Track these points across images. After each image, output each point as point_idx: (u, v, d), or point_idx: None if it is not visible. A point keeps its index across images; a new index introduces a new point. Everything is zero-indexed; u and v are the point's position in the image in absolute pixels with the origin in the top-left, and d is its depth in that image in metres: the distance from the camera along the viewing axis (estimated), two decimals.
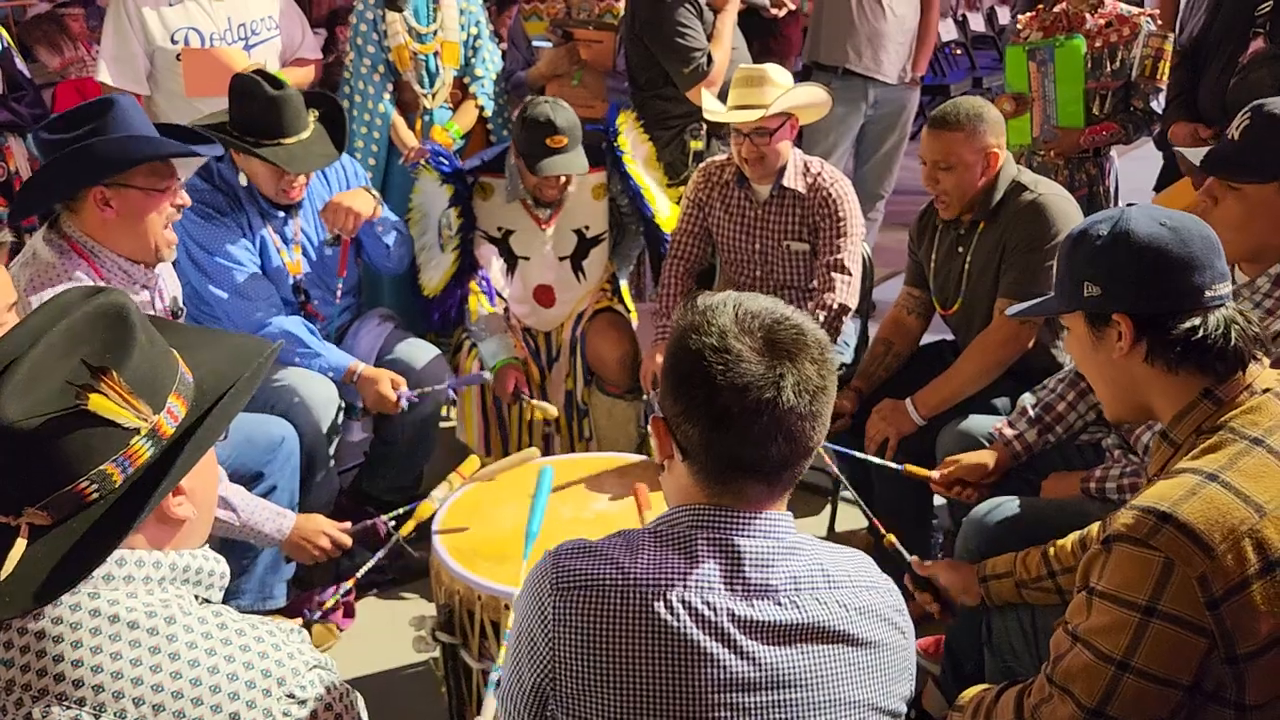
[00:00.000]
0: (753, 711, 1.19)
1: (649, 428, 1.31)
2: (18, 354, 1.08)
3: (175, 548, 1.18)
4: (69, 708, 1.05)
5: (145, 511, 1.10)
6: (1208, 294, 1.49)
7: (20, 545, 1.06)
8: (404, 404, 2.87)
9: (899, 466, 2.52)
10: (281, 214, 2.93)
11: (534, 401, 3.03)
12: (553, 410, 3.04)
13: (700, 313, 1.24)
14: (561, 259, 3.30)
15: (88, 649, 1.07)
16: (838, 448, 2.64)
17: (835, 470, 2.70)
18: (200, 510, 1.21)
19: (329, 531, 2.35)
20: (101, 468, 1.09)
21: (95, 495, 1.09)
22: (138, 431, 1.10)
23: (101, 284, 2.08)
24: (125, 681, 1.06)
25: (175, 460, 1.12)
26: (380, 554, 2.32)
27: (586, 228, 3.31)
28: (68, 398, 1.07)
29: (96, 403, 1.07)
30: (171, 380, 1.15)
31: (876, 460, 2.61)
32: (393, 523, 2.46)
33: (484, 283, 3.22)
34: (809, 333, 1.24)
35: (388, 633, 2.72)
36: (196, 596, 1.17)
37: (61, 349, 1.09)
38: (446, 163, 3.23)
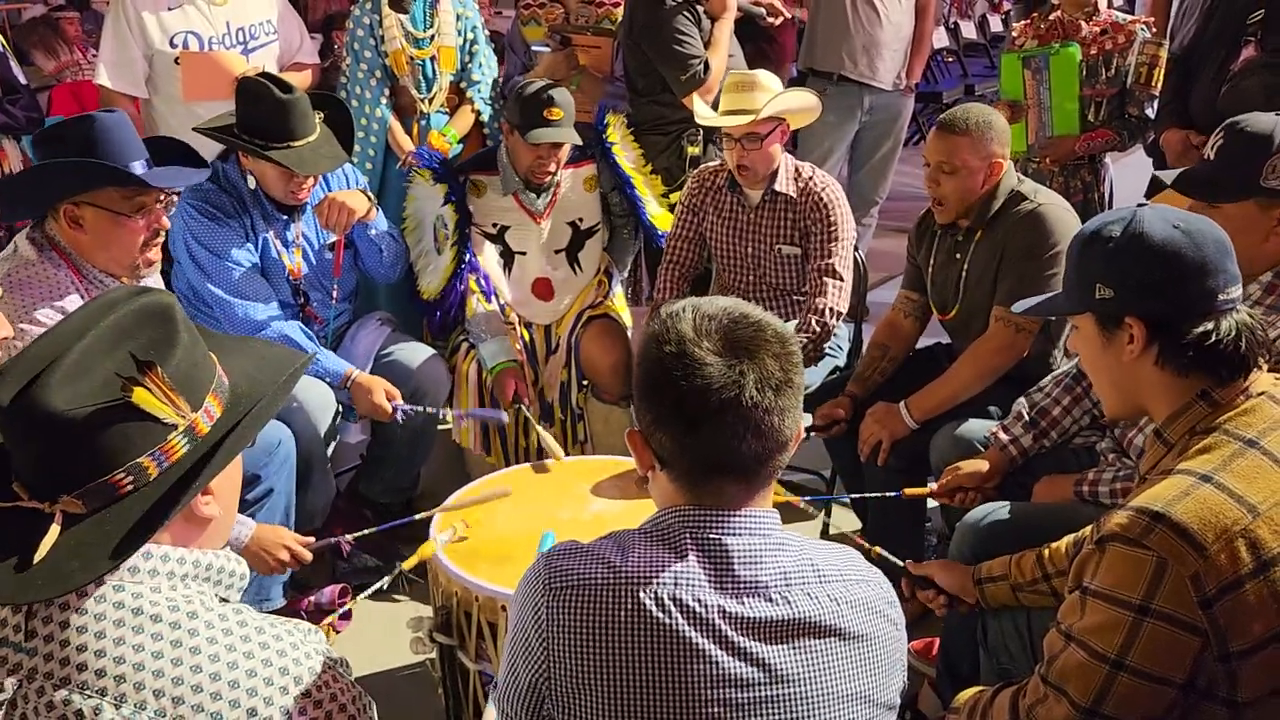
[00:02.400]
0: (745, 707, 1.20)
1: (627, 442, 1.33)
2: (67, 345, 1.10)
3: (200, 547, 1.20)
4: (90, 696, 1.07)
5: (178, 507, 1.12)
6: (1220, 298, 1.48)
7: (54, 532, 1.09)
8: (399, 417, 2.86)
9: (896, 493, 2.52)
10: (284, 217, 2.94)
11: (537, 428, 2.88)
12: (559, 452, 2.73)
13: (662, 321, 1.26)
14: (557, 252, 3.33)
15: (110, 640, 1.08)
16: (833, 497, 2.65)
17: (812, 510, 2.72)
18: (224, 511, 1.23)
19: (289, 544, 2.32)
20: (138, 461, 1.11)
21: (130, 488, 1.12)
22: (176, 428, 1.13)
23: (134, 285, 2.03)
24: (146, 673, 1.07)
25: (208, 459, 1.14)
26: (385, 581, 2.30)
27: (580, 220, 3.35)
28: (113, 390, 1.09)
29: (140, 396, 1.10)
30: (210, 381, 1.18)
31: (874, 495, 2.61)
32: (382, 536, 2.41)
33: (483, 281, 3.23)
34: (768, 328, 1.25)
35: (385, 634, 2.72)
36: (216, 595, 1.18)
37: (109, 342, 1.12)
38: (437, 163, 3.27)
